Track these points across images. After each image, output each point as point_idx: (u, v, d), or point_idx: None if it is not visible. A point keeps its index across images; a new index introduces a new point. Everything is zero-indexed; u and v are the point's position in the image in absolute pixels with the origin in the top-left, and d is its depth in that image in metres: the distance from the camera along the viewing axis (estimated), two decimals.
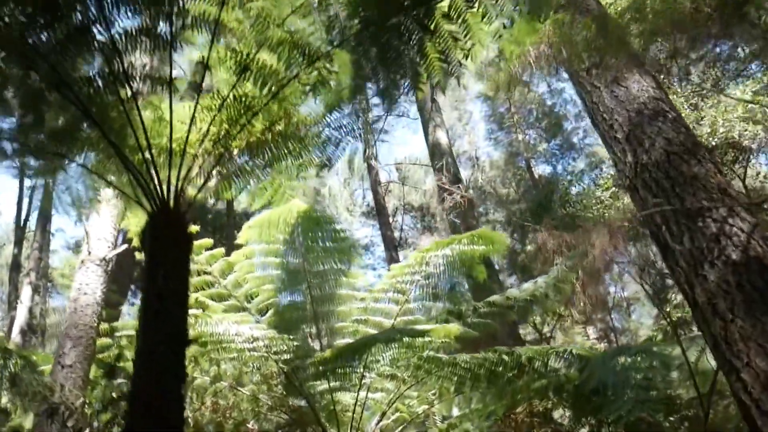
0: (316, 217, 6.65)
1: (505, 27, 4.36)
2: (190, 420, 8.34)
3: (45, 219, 21.40)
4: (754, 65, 10.04)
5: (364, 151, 32.04)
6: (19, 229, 21.92)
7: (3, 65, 3.75)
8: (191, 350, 7.45)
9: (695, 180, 4.87)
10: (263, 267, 7.12)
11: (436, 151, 17.22)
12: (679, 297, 9.52)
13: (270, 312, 7.54)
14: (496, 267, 16.27)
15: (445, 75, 4.66)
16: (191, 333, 6.73)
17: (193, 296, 6.29)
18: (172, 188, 3.68)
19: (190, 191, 3.91)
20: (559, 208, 14.58)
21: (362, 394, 7.68)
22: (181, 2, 3.80)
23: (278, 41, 4.13)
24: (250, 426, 8.08)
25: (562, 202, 14.97)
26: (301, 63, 4.30)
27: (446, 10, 4.21)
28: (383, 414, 7.71)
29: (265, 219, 6.66)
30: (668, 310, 9.81)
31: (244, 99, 4.28)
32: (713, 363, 8.11)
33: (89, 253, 7.26)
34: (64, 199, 4.98)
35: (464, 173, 27.62)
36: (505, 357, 6.67)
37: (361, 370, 7.15)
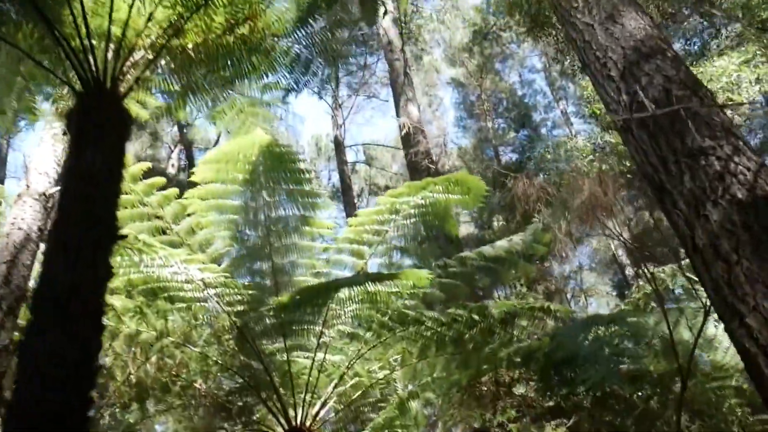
0: (280, 153, 6.09)
1: None
2: (132, 377, 7.75)
3: None
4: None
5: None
6: None
7: None
8: (137, 300, 6.87)
9: (697, 117, 4.46)
10: (220, 211, 6.54)
11: (407, 126, 16.73)
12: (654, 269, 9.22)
13: (225, 263, 6.99)
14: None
15: None
16: (134, 276, 6.16)
17: (135, 235, 5.70)
18: (110, 69, 3.11)
19: (131, 78, 3.35)
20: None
21: (320, 355, 7.18)
22: None
23: None
24: (198, 386, 7.51)
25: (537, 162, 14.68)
26: None
27: None
28: (341, 377, 7.21)
29: (223, 154, 6.09)
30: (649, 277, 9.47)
31: None
32: (688, 336, 7.79)
33: (27, 187, 6.62)
34: None
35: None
36: (476, 316, 6.21)
37: (320, 327, 6.65)
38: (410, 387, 8.16)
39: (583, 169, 9.99)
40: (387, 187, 28.87)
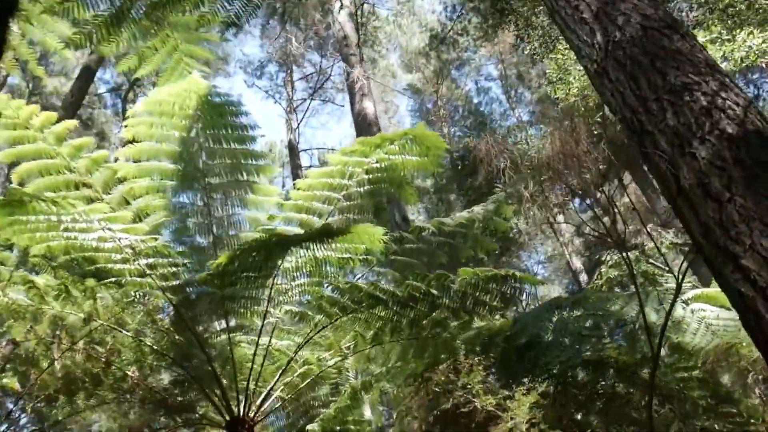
0: (220, 104, 5.52)
1: None
2: (58, 367, 7.04)
3: None
4: None
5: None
6: None
7: None
8: (61, 276, 6.20)
9: (679, 54, 4.08)
10: (152, 176, 5.92)
11: (362, 122, 16.27)
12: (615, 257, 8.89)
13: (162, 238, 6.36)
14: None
15: None
16: (54, 244, 5.49)
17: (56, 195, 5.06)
18: None
19: None
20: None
21: (265, 339, 6.61)
22: None
23: None
24: (132, 375, 6.83)
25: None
26: None
27: None
28: (288, 363, 6.63)
29: (155, 104, 5.48)
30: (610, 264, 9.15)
31: None
32: (655, 318, 7.41)
33: None
34: None
35: None
36: (435, 291, 5.71)
37: (265, 304, 6.07)
38: (364, 377, 7.64)
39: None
40: None
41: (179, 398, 7.62)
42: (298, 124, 30.53)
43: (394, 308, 6.03)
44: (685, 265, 5.61)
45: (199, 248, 6.10)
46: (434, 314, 6.26)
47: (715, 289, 8.04)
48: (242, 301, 5.84)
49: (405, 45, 33.47)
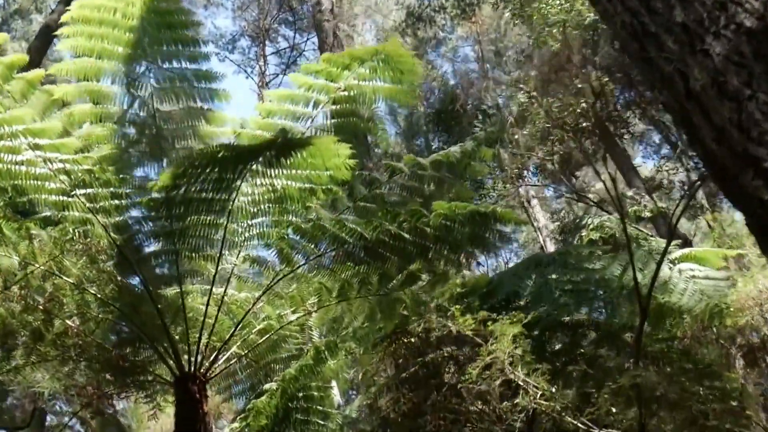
0: (168, 10, 4.91)
1: None
2: None
3: None
4: None
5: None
6: None
7: None
8: None
9: None
10: (93, 100, 5.28)
11: None
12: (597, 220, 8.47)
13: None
14: None
15: None
16: None
17: None
18: None
19: None
20: None
21: (220, 290, 6.07)
22: None
23: None
24: (72, 325, 6.23)
25: None
26: None
27: None
28: (245, 316, 6.09)
29: (94, 8, 4.84)
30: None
31: None
32: (640, 278, 6.99)
33: None
34: None
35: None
36: (407, 235, 5.19)
37: (219, 246, 5.52)
38: (329, 337, 7.12)
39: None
40: None
41: (127, 356, 7.04)
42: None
43: (362, 255, 5.51)
44: (678, 210, 5.17)
45: (146, 184, 5.48)
46: (405, 264, 5.76)
47: (704, 249, 7.66)
48: (194, 241, 5.28)
49: (381, 23, 32.85)
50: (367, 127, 5.52)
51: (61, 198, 4.95)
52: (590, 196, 18.59)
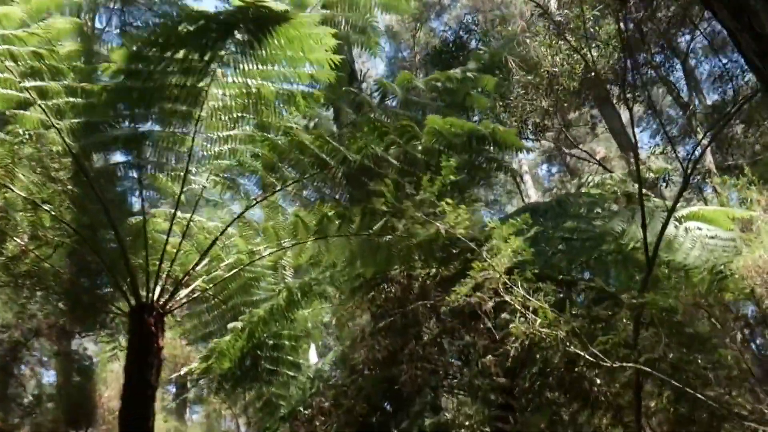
0: None
1: None
2: None
3: None
4: None
5: None
6: None
7: None
8: None
9: None
10: None
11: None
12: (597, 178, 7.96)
13: None
14: None
15: None
16: None
17: None
18: None
19: None
20: None
21: (186, 215, 5.54)
22: None
23: None
24: (20, 242, 5.67)
25: None
26: None
27: None
28: (212, 245, 5.57)
29: None
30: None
31: None
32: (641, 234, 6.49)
33: None
34: None
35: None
36: (394, 161, 4.65)
37: (186, 161, 4.96)
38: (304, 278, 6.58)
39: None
40: None
41: (87, 288, 6.50)
42: None
43: (344, 183, 4.97)
44: (699, 150, 4.65)
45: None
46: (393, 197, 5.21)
47: (713, 208, 7.16)
48: (158, 152, 4.72)
49: None
50: (360, 37, 4.95)
51: (9, 91, 4.35)
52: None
